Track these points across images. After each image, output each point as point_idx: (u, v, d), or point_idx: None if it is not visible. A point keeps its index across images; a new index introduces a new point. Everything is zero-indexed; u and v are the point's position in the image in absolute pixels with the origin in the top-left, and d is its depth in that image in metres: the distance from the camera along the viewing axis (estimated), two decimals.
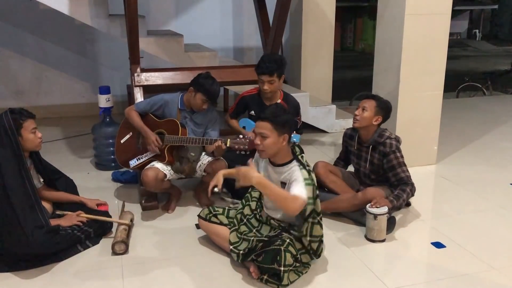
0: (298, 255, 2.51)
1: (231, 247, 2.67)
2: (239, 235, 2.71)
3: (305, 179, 2.50)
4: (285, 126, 2.54)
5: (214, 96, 3.30)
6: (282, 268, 2.41)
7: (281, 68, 3.52)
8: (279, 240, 2.51)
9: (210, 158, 3.38)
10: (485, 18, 17.32)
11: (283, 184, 2.60)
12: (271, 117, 2.52)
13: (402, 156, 3.23)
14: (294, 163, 2.60)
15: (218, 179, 2.56)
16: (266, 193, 2.52)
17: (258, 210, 2.82)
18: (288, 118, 2.59)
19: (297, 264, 2.51)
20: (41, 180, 3.14)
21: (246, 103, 3.77)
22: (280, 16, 4.12)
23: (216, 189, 2.56)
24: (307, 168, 2.57)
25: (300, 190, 2.45)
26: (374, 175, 3.33)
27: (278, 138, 2.52)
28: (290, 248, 2.46)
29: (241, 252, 2.61)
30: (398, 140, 3.27)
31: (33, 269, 2.66)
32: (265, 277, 2.51)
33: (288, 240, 2.50)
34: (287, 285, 2.49)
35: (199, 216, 2.90)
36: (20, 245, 2.61)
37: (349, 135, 3.48)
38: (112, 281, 2.60)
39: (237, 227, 2.77)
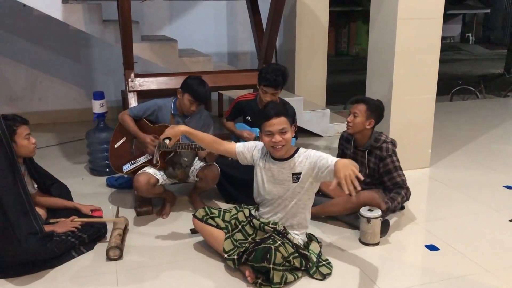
0: (290, 258, 2.52)
1: (225, 255, 2.66)
2: (234, 242, 2.71)
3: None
4: (293, 117, 2.66)
5: (200, 96, 3.26)
6: (271, 266, 2.43)
7: (286, 81, 3.54)
8: (270, 240, 2.54)
9: (202, 164, 3.38)
10: (478, 22, 17.48)
11: (297, 175, 2.61)
12: (285, 112, 2.59)
13: (398, 160, 3.24)
14: (301, 150, 2.67)
15: (176, 134, 2.71)
16: (195, 139, 2.74)
17: (251, 217, 2.83)
18: (292, 108, 2.79)
19: (287, 264, 2.52)
20: (35, 186, 3.14)
21: (242, 108, 3.76)
22: (274, 21, 4.14)
23: (166, 141, 2.70)
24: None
25: (331, 159, 2.50)
26: (369, 178, 3.34)
27: (292, 130, 2.61)
28: (281, 249, 2.48)
29: (235, 257, 2.61)
30: (394, 143, 3.28)
31: (27, 276, 2.65)
32: (259, 281, 2.52)
33: (279, 242, 2.52)
34: (280, 283, 2.48)
35: (194, 216, 2.88)
36: (14, 251, 2.59)
37: (346, 138, 3.48)
38: (107, 287, 2.60)
39: (231, 233, 2.77)
